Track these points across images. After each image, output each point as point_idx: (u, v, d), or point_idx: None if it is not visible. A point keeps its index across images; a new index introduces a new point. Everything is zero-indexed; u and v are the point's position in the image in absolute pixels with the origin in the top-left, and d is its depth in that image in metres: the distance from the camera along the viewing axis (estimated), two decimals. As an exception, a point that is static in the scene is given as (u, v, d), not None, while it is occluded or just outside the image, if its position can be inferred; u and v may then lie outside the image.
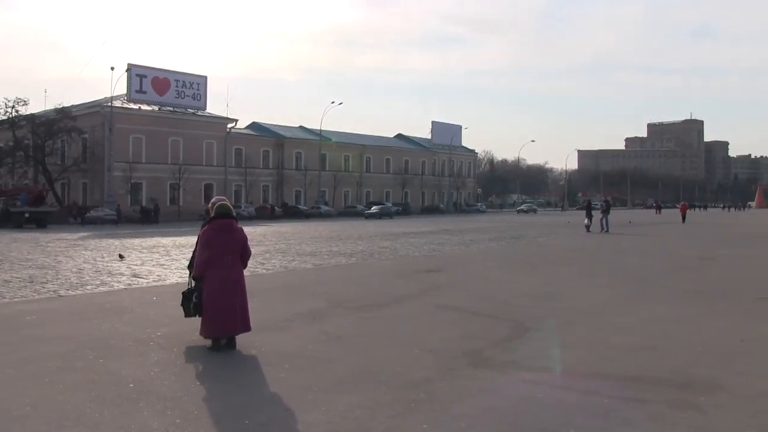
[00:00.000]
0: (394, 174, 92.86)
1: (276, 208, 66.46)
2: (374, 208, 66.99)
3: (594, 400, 5.33)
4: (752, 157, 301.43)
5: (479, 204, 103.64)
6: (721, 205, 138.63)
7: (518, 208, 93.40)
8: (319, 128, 77.86)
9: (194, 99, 67.57)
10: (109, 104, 57.17)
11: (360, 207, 77.04)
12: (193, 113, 67.36)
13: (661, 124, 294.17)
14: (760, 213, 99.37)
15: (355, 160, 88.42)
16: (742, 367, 6.43)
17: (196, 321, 7.24)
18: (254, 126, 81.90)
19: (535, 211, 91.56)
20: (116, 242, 25.84)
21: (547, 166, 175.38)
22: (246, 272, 7.52)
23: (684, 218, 49.19)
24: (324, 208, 70.78)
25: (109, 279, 13.65)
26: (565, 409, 5.11)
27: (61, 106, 58.70)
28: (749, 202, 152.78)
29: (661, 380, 5.96)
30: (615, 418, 4.93)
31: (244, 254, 7.33)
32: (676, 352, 7.07)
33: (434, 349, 7.09)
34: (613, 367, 6.41)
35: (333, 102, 76.70)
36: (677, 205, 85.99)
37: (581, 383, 5.84)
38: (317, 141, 77.92)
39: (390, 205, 74.43)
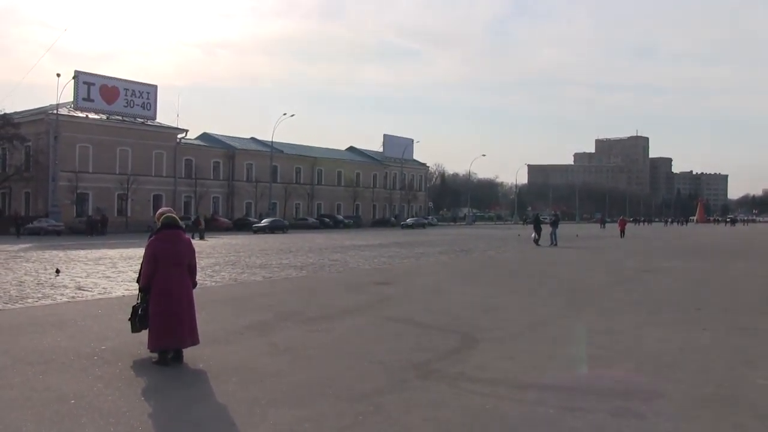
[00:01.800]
0: (345, 186, 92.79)
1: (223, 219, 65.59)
2: (265, 221, 60.77)
3: (539, 411, 5.42)
4: (694, 173, 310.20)
5: (430, 217, 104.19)
6: (664, 220, 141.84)
7: (402, 223, 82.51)
8: (270, 140, 77.40)
9: (144, 108, 66.49)
10: (55, 111, 55.87)
11: (311, 219, 76.80)
12: (143, 123, 66.25)
13: (608, 140, 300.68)
14: (700, 227, 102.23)
15: (306, 172, 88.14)
16: (681, 376, 6.60)
17: (143, 334, 7.13)
18: (205, 137, 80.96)
19: (423, 226, 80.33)
20: (60, 254, 25.24)
21: (497, 179, 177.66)
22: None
23: (623, 233, 48.44)
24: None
25: (52, 292, 13.31)
26: (511, 420, 5.18)
27: (2, 113, 57.08)
28: (691, 217, 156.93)
29: (605, 390, 6.09)
30: (560, 428, 5.02)
31: (191, 266, 7.24)
32: (618, 361, 7.23)
33: (383, 361, 7.11)
34: (558, 377, 6.52)
35: (285, 113, 76.28)
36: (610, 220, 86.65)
37: (527, 394, 5.93)
38: (268, 152, 77.44)
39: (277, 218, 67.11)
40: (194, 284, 7.33)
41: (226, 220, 65.27)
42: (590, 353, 7.63)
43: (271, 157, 76.83)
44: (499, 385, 6.25)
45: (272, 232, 54.80)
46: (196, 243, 35.53)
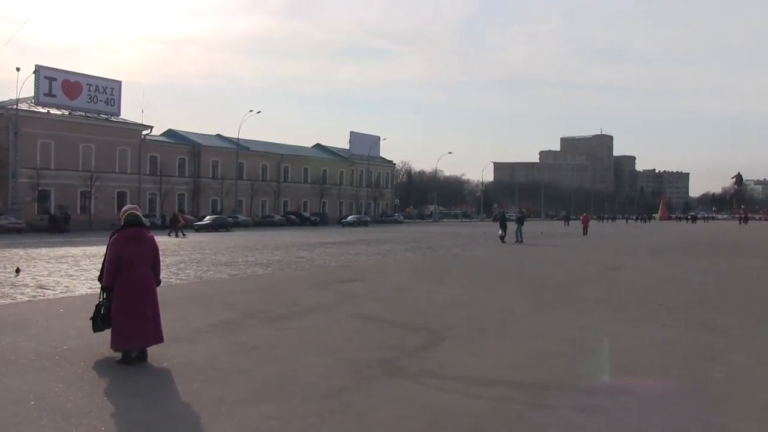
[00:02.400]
0: (311, 184, 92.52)
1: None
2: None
3: (506, 407, 5.46)
4: (657, 171, 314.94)
5: (397, 214, 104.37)
6: (626, 218, 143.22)
7: (342, 220, 77.84)
8: (236, 137, 76.82)
9: (107, 104, 65.48)
10: (15, 107, 54.78)
11: (277, 217, 76.42)
12: (106, 119, 65.24)
13: (573, 139, 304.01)
14: (662, 224, 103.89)
15: (272, 169, 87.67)
16: (644, 371, 6.72)
17: (106, 333, 7.03)
18: (170, 133, 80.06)
19: (365, 224, 77.15)
20: (21, 252, 24.79)
21: (464, 177, 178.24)
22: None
23: (585, 230, 47.80)
24: (240, 217, 69.82)
25: (12, 291, 13.06)
26: (477, 417, 5.21)
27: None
28: (654, 214, 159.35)
29: (571, 386, 6.16)
30: (526, 424, 5.07)
31: (155, 264, 7.15)
32: (583, 358, 7.32)
33: (349, 358, 7.10)
34: (524, 374, 6.57)
35: (251, 110, 75.90)
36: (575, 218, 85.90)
37: (494, 390, 5.97)
38: (234, 150, 76.86)
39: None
40: (158, 282, 7.25)
41: (191, 217, 64.59)
42: (556, 349, 7.71)
43: (237, 155, 76.33)
44: (465, 381, 6.28)
45: (216, 231, 53.36)
46: (174, 240, 35.40)
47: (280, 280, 15.75)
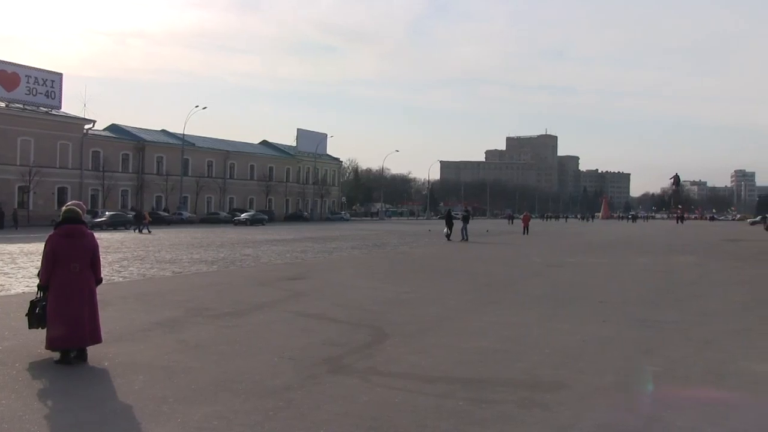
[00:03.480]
0: (258, 181, 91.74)
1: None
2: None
3: (449, 403, 5.52)
4: (599, 171, 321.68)
5: (343, 212, 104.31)
6: (564, 216, 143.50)
7: (235, 218, 67.40)
8: (182, 132, 75.63)
9: (48, 97, 63.60)
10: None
11: (223, 214, 75.52)
12: (47, 112, 63.40)
13: (518, 138, 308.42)
14: (604, 223, 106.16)
15: (218, 165, 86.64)
16: (583, 366, 6.86)
17: (44, 333, 6.84)
18: (113, 128, 78.27)
19: (262, 222, 68.37)
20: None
21: (410, 175, 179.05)
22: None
23: (526, 229, 46.17)
24: (186, 214, 68.82)
25: (-55, 288, 12.64)
26: (421, 413, 5.24)
27: None
28: (596, 213, 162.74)
29: (512, 381, 6.27)
30: (468, 419, 5.12)
31: (94, 261, 6.98)
32: (525, 354, 7.44)
33: (294, 356, 7.08)
34: (467, 370, 6.65)
35: (198, 106, 74.53)
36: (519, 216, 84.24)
37: (437, 387, 6.02)
38: (180, 145, 75.67)
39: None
40: (99, 281, 7.08)
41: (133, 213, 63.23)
42: (498, 346, 7.82)
43: (183, 150, 75.18)
44: (409, 378, 6.33)
45: (115, 229, 50.24)
46: (140, 237, 34.67)
47: (225, 278, 15.59)
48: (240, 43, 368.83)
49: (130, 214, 53.08)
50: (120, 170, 71.73)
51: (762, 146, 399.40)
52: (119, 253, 22.34)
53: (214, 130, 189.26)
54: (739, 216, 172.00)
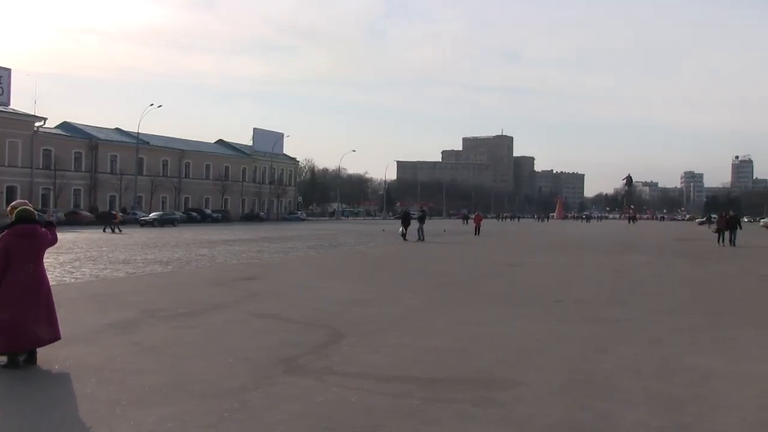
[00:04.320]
0: (214, 180, 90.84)
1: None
2: None
3: (405, 402, 5.54)
4: (554, 172, 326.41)
5: (300, 212, 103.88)
6: (517, 216, 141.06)
7: (142, 218, 60.32)
8: (136, 131, 74.40)
9: (-5, 93, 62.17)
10: None
11: (178, 213, 74.61)
12: (-6, 109, 61.92)
13: (475, 139, 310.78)
14: (559, 223, 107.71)
15: (173, 165, 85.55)
16: (539, 364, 6.95)
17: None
18: (65, 126, 76.62)
19: (173, 223, 61.80)
20: None
21: (367, 175, 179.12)
22: (52, 281, 7.05)
23: (478, 230, 44.36)
24: (140, 214, 67.72)
25: None
26: (377, 412, 5.26)
27: None
28: (551, 213, 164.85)
29: (468, 380, 6.31)
30: (424, 418, 5.15)
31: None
32: (482, 353, 7.50)
33: (249, 357, 7.03)
34: (423, 369, 6.68)
35: (152, 104, 73.52)
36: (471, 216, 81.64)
37: (393, 386, 6.04)
38: (134, 144, 74.43)
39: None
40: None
41: (88, 213, 62.01)
42: (455, 345, 7.88)
43: (137, 149, 73.96)
44: (365, 378, 6.33)
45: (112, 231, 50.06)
46: (94, 237, 33.94)
47: (180, 278, 15.41)
48: (195, 41, 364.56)
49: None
50: (72, 169, 70.34)
51: (710, 149, 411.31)
52: (71, 254, 21.90)
53: (169, 129, 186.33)
54: (688, 216, 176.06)
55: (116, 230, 42.17)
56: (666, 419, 5.19)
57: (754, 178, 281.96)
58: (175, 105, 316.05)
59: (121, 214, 51.57)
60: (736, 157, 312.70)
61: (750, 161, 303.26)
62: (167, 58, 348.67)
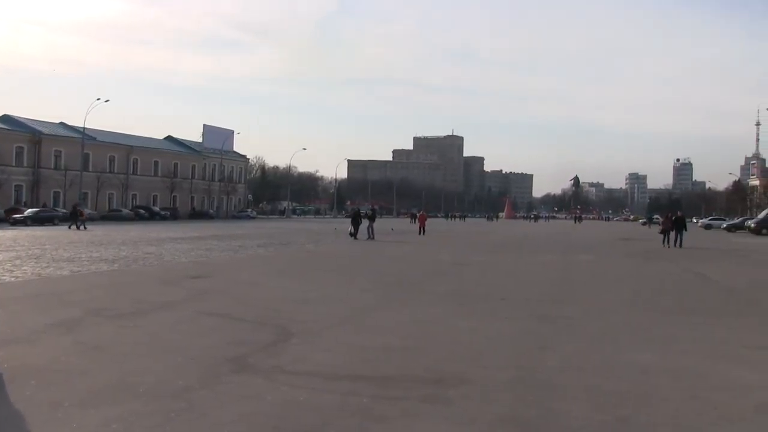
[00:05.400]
0: (162, 177, 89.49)
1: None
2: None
3: (353, 401, 5.56)
4: (503, 172, 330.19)
5: (249, 210, 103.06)
6: (462, 216, 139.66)
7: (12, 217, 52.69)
8: (82, 126, 72.74)
9: (-71, 85, 60.07)
10: None
11: (125, 211, 73.25)
12: (-71, 101, 59.85)
13: (425, 138, 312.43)
14: (507, 223, 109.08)
15: (121, 161, 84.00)
16: (486, 362, 7.05)
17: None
18: (6, 119, 74.51)
19: (52, 220, 54.84)
20: None
21: (317, 174, 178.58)
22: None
23: (422, 230, 42.95)
24: (86, 211, 66.24)
25: None
26: (326, 411, 5.27)
27: None
28: (500, 213, 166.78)
29: (416, 378, 6.37)
30: (372, 416, 5.18)
31: None
32: (430, 350, 7.57)
33: (197, 356, 6.97)
34: (372, 368, 6.72)
35: (99, 98, 71.80)
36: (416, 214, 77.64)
37: (342, 385, 6.06)
38: (79, 139, 72.77)
39: None
40: None
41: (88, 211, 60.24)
42: (403, 343, 7.93)
43: (83, 144, 72.33)
44: (314, 376, 6.34)
45: (41, 224, 48.21)
46: (37, 234, 33.03)
47: (127, 277, 15.15)
48: (144, 36, 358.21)
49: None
50: (13, 164, 68.56)
51: (653, 151, 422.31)
52: (12, 252, 21.34)
53: (116, 125, 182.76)
54: (632, 216, 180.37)
55: (81, 227, 41.64)
56: (607, 413, 5.34)
57: (694, 180, 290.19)
58: (123, 100, 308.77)
59: (88, 210, 51.09)
60: (677, 160, 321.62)
61: (690, 164, 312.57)
62: (115, 52, 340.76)
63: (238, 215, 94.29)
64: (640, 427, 5.07)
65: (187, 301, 11.23)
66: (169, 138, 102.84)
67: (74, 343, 7.55)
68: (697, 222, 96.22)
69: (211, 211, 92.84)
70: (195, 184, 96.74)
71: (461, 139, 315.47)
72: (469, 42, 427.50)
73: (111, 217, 69.28)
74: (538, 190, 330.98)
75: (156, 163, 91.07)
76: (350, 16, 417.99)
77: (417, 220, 46.73)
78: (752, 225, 56.98)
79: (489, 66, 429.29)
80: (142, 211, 76.22)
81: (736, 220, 73.40)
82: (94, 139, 78.24)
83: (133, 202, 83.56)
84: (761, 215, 60.54)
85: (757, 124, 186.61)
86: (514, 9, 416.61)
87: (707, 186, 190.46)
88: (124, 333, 8.29)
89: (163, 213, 78.08)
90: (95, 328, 8.58)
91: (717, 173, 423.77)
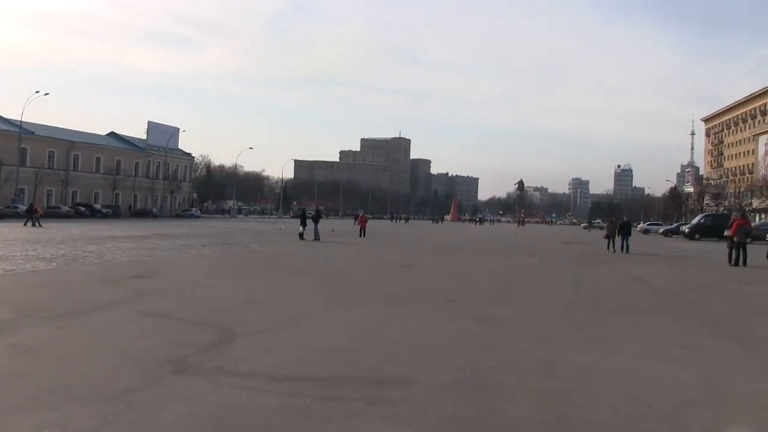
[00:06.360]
0: (104, 174, 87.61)
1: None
2: None
3: (296, 402, 5.54)
4: (450, 175, 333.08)
5: (194, 209, 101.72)
6: (404, 217, 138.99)
7: None
8: (19, 119, 70.63)
9: None
10: None
11: (65, 208, 71.42)
12: None
13: (373, 140, 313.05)
14: (453, 225, 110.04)
15: (61, 156, 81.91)
16: (429, 362, 7.10)
17: None
18: (-64, 112, 72.02)
19: None
20: None
21: (264, 173, 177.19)
22: None
23: (363, 231, 42.04)
24: (22, 207, 64.37)
25: None
26: (268, 412, 5.23)
27: None
28: (446, 216, 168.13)
29: (359, 379, 6.38)
30: (315, 417, 5.16)
31: None
32: (374, 351, 7.59)
33: (137, 357, 6.85)
34: (315, 369, 6.70)
35: (38, 91, 69.89)
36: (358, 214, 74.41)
37: (285, 386, 6.03)
38: (16, 133, 70.65)
39: None
40: None
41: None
42: (347, 344, 7.93)
43: (20, 138, 70.29)
44: (257, 377, 6.29)
45: None
46: (30, 230, 32.00)
47: (65, 276, 14.78)
48: (87, 28, 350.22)
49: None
50: (-56, 158, 66.14)
51: (596, 157, 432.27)
52: (-56, 249, 20.61)
53: (57, 119, 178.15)
54: (575, 221, 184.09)
55: (36, 224, 41.22)
56: (547, 412, 5.43)
57: (634, 186, 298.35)
58: (64, 94, 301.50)
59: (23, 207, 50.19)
60: (619, 166, 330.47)
61: (630, 170, 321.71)
62: (55, 44, 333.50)
63: (183, 214, 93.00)
64: (579, 425, 5.18)
65: (128, 301, 11.01)
66: (112, 134, 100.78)
67: (7, 346, 7.31)
68: (636, 227, 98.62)
69: (154, 209, 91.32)
70: (138, 181, 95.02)
71: (408, 141, 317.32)
72: (418, 45, 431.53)
73: (50, 214, 67.26)
74: (484, 194, 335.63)
75: (98, 159, 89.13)
76: (301, 16, 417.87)
77: (358, 222, 45.45)
78: (686, 230, 59.11)
79: (438, 69, 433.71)
80: (82, 208, 74.45)
81: (672, 226, 75.72)
82: (33, 133, 76.12)
83: (73, 199, 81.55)
84: (694, 221, 62.70)
85: (692, 134, 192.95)
86: (464, 14, 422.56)
87: (646, 192, 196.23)
88: (61, 334, 8.08)
89: (104, 211, 76.35)
90: (30, 329, 8.33)
91: (655, 180, 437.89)
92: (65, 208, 71.85)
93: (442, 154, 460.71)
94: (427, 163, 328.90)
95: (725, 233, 26.26)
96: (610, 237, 33.52)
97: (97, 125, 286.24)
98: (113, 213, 77.19)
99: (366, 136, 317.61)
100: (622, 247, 32.11)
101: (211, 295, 12.07)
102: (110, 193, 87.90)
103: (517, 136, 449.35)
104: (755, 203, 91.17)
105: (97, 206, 78.81)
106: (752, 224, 34.55)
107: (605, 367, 7.16)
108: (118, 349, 7.25)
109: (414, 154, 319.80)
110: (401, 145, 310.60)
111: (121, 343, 7.56)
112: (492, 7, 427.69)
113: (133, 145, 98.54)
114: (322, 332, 8.75)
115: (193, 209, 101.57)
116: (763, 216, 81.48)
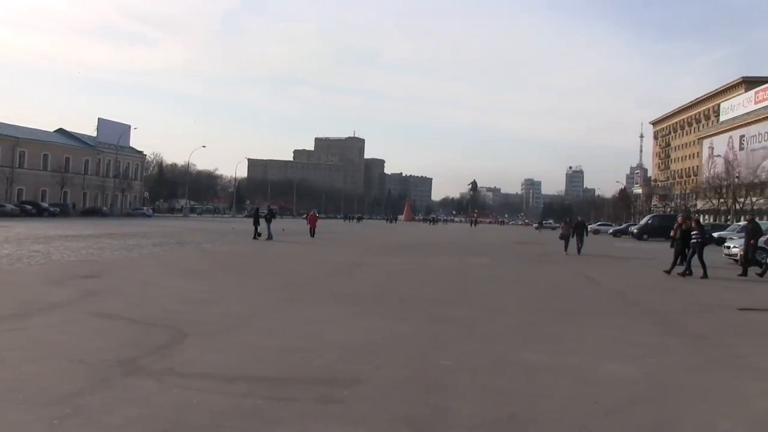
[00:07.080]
0: (52, 172, 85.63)
1: None
2: None
3: (248, 402, 5.51)
4: (403, 175, 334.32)
5: (145, 208, 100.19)
6: (357, 217, 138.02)
7: None
8: (-39, 115, 68.71)
9: None
10: None
11: (10, 206, 69.58)
12: None
13: (327, 139, 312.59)
14: (406, 225, 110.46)
15: (5, 153, 79.83)
16: (380, 362, 7.13)
17: None
18: None
19: None
20: None
21: (217, 172, 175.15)
22: None
23: (312, 231, 41.03)
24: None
25: None
26: (219, 413, 5.20)
27: None
28: (399, 215, 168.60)
29: (311, 379, 6.38)
30: (267, 417, 5.15)
31: None
32: (325, 351, 7.59)
33: (85, 360, 6.72)
34: (267, 369, 6.68)
35: (-21, 87, 67.93)
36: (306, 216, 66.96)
37: (236, 387, 5.99)
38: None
39: None
40: None
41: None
42: (298, 344, 7.92)
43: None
44: (208, 379, 6.24)
45: None
46: None
47: (9, 276, 14.39)
48: (31, 20, 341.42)
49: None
50: None
51: (548, 159, 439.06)
52: None
53: (1, 115, 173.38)
54: (527, 221, 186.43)
55: None
56: (497, 410, 5.52)
57: (585, 187, 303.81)
58: (8, 88, 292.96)
59: None
60: (570, 168, 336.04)
61: (581, 172, 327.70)
62: (2, 37, 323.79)
63: (134, 213, 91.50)
64: (528, 422, 5.27)
65: (75, 301, 10.79)
66: (60, 131, 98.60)
67: (-51, 347, 7.13)
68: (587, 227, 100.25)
69: (105, 208, 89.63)
70: (88, 179, 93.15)
71: (362, 141, 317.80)
72: (373, 45, 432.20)
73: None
74: (437, 194, 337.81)
75: (45, 156, 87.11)
76: (255, 14, 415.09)
77: (308, 221, 44.05)
78: (635, 231, 60.45)
79: (392, 69, 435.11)
80: (29, 206, 72.51)
81: (622, 226, 77.31)
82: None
83: (18, 197, 79.54)
84: (642, 222, 64.14)
85: (641, 136, 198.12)
86: (420, 14, 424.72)
87: (596, 193, 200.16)
88: (6, 337, 7.86)
89: (52, 209, 74.56)
90: (-27, 330, 8.12)
91: (606, 181, 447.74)
92: (10, 207, 69.78)
93: (397, 154, 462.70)
94: (381, 162, 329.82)
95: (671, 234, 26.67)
96: (565, 237, 31.81)
97: (45, 121, 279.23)
98: (61, 212, 75.47)
99: (320, 136, 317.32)
100: (578, 249, 30.62)
101: (161, 295, 11.92)
102: (58, 191, 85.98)
103: (471, 136, 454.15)
104: (699, 204, 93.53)
105: (45, 204, 76.79)
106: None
107: (555, 364, 7.29)
108: (64, 351, 7.11)
109: (368, 154, 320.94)
110: (355, 144, 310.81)
111: (68, 345, 7.41)
112: (448, 9, 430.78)
113: (82, 143, 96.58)
114: (273, 332, 8.72)
115: (145, 208, 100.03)
116: (707, 217, 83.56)
